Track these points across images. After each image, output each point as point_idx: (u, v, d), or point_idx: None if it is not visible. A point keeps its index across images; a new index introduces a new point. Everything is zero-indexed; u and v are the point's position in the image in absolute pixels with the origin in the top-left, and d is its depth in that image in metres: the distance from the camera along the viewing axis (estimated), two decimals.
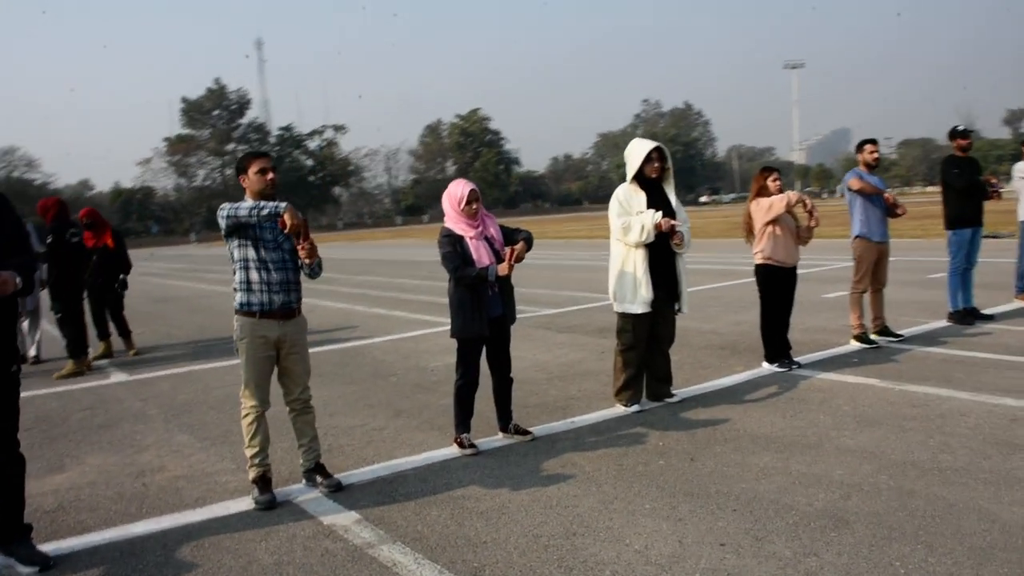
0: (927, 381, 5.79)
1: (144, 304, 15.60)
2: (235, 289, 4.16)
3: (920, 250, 16.01)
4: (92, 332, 8.85)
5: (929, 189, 76.98)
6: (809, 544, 3.27)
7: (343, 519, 3.85)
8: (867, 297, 7.33)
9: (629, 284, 5.38)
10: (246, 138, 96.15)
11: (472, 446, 4.78)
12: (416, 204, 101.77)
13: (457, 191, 4.75)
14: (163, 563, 3.48)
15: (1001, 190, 8.30)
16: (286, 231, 3.95)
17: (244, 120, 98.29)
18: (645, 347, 5.52)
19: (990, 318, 8.10)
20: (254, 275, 4.10)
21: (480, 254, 4.68)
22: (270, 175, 4.15)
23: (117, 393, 7.20)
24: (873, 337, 7.23)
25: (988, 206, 8.30)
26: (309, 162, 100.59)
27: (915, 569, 3.02)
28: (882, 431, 4.71)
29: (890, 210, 7.30)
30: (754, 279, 6.64)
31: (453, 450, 4.80)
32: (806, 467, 4.19)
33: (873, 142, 7.47)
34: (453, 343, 4.87)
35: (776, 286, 6.48)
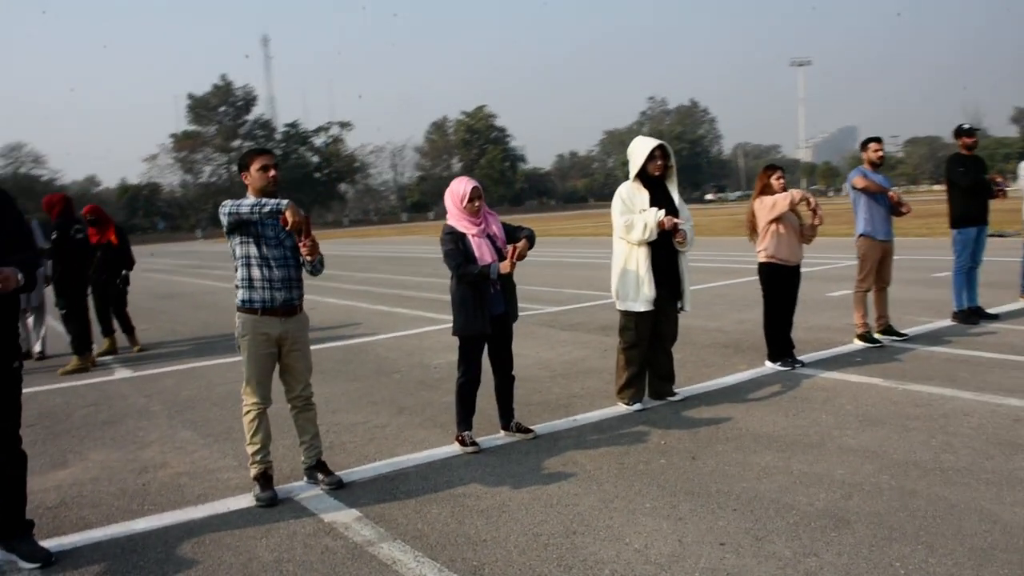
0: (931, 381, 5.77)
1: (149, 300, 15.66)
2: (237, 286, 4.17)
3: (925, 248, 15.96)
4: (97, 328, 8.87)
5: (936, 187, 76.83)
6: (809, 544, 3.27)
7: (344, 516, 3.86)
8: (871, 296, 7.31)
9: (632, 282, 5.37)
10: (252, 134, 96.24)
11: (474, 444, 4.78)
12: (422, 201, 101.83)
13: (460, 188, 4.75)
14: (164, 560, 3.49)
15: (1007, 188, 8.27)
16: (288, 228, 3.95)
17: (250, 117, 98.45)
18: (648, 345, 5.52)
19: (995, 317, 8.07)
20: (256, 272, 4.10)
21: (482, 252, 4.68)
22: (272, 172, 4.15)
23: (121, 389, 7.22)
24: (877, 336, 7.21)
25: (994, 205, 8.27)
26: (315, 159, 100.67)
27: (915, 570, 3.01)
28: (885, 431, 4.70)
29: (895, 208, 7.27)
30: (758, 277, 6.62)
31: (455, 448, 4.80)
32: (808, 466, 4.18)
33: (878, 140, 7.44)
34: (456, 340, 4.87)
35: (779, 285, 6.46)
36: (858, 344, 7.10)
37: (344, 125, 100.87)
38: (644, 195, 5.38)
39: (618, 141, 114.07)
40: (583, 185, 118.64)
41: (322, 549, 3.50)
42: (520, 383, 5.22)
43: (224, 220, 4.05)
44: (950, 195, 8.23)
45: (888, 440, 4.53)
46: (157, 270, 26.96)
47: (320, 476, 4.30)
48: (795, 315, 6.63)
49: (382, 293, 14.42)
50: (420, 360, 7.70)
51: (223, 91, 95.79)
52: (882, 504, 3.64)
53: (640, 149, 5.42)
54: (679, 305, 5.58)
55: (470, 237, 4.70)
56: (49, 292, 8.55)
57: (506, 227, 4.89)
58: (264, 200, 3.98)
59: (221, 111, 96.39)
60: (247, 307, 4.12)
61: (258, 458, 4.18)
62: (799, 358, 6.51)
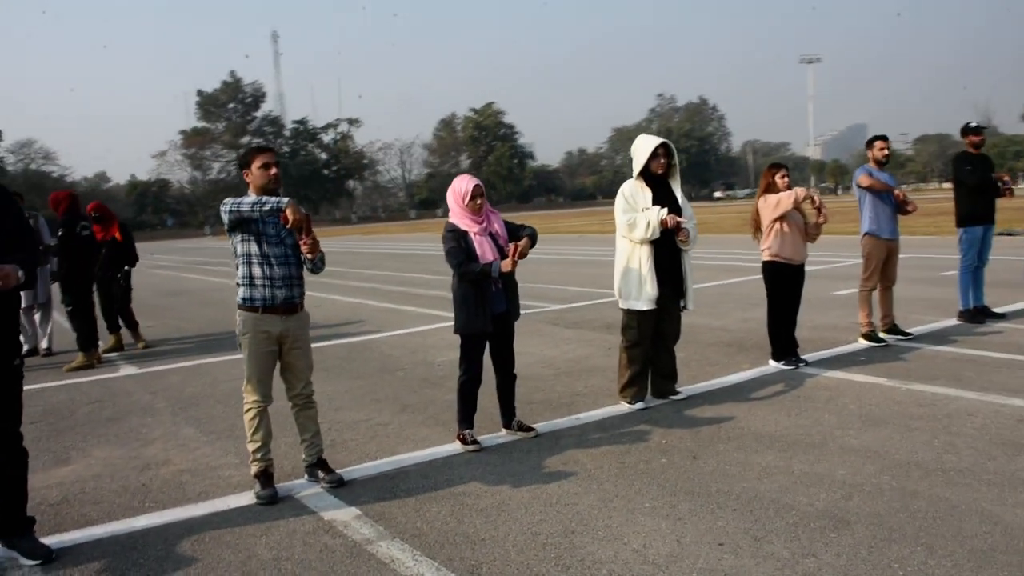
0: (935, 380, 5.74)
1: (155, 297, 15.71)
2: (238, 284, 4.18)
3: (932, 247, 15.87)
4: (103, 325, 8.91)
5: (945, 185, 76.28)
6: (808, 544, 3.26)
7: (343, 515, 3.86)
8: (876, 295, 7.28)
9: (634, 281, 5.36)
10: (261, 131, 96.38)
11: (475, 442, 4.78)
12: (430, 198, 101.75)
13: (461, 186, 4.75)
14: (163, 557, 3.51)
15: (1014, 187, 8.21)
16: (288, 226, 3.95)
17: (259, 113, 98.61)
18: (650, 344, 5.51)
19: (1001, 317, 8.02)
20: (257, 270, 4.11)
21: (484, 250, 4.68)
22: (273, 170, 4.15)
23: (126, 386, 7.25)
24: (882, 335, 7.18)
25: (1000, 203, 8.22)
26: (323, 155, 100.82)
27: (914, 571, 2.99)
28: (887, 431, 4.68)
29: (900, 207, 7.23)
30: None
31: (456, 446, 4.80)
32: (809, 466, 4.16)
33: (884, 138, 7.40)
34: (459, 338, 4.88)
35: (783, 283, 6.44)
36: (862, 343, 7.07)
37: (353, 122, 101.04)
38: (647, 193, 5.37)
39: (626, 138, 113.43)
40: (591, 182, 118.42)
41: (321, 547, 3.51)
42: (523, 381, 5.21)
43: (225, 218, 4.06)
44: (956, 194, 8.18)
45: (890, 440, 4.51)
46: (164, 267, 27.06)
47: (321, 474, 4.31)
48: (799, 314, 6.60)
49: (389, 290, 14.44)
50: (424, 358, 7.70)
51: (232, 88, 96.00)
52: (882, 505, 3.62)
53: (643, 147, 5.41)
54: (682, 304, 5.57)
55: (472, 235, 4.69)
56: (56, 289, 8.59)
57: (508, 225, 4.89)
58: (265, 198, 3.99)
59: (230, 107, 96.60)
60: (248, 305, 4.13)
61: (259, 456, 4.19)
62: (803, 357, 6.49)
